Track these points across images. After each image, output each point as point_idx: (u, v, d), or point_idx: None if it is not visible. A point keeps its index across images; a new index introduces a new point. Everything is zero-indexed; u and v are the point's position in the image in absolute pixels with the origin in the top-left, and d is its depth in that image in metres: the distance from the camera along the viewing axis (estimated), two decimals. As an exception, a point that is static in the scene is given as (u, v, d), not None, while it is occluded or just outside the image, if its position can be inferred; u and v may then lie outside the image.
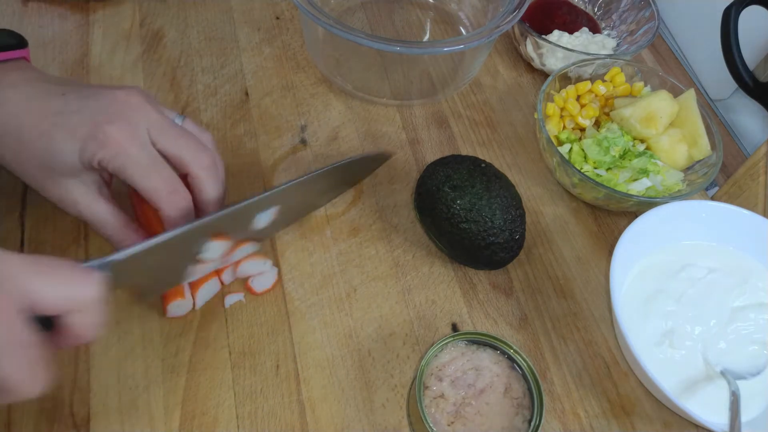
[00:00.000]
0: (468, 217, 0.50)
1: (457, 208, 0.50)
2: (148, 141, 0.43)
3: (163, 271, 0.44)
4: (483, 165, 0.53)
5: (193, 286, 0.49)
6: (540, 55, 0.69)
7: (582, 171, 0.58)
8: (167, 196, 0.43)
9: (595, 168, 0.59)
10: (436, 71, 0.69)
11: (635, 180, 0.58)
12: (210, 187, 0.45)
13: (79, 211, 0.45)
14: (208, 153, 0.45)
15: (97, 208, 0.45)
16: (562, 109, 0.63)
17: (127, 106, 0.43)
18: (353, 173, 0.57)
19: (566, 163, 0.56)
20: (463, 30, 0.74)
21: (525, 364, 0.43)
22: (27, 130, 0.42)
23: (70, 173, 0.43)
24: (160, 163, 0.43)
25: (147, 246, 0.40)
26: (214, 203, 0.46)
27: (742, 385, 0.47)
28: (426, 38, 0.74)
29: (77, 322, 0.34)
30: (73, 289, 0.33)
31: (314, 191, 0.53)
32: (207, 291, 0.49)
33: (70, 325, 0.34)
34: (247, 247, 0.49)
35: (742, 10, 0.64)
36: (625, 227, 0.51)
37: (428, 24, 0.75)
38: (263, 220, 0.48)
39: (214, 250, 0.45)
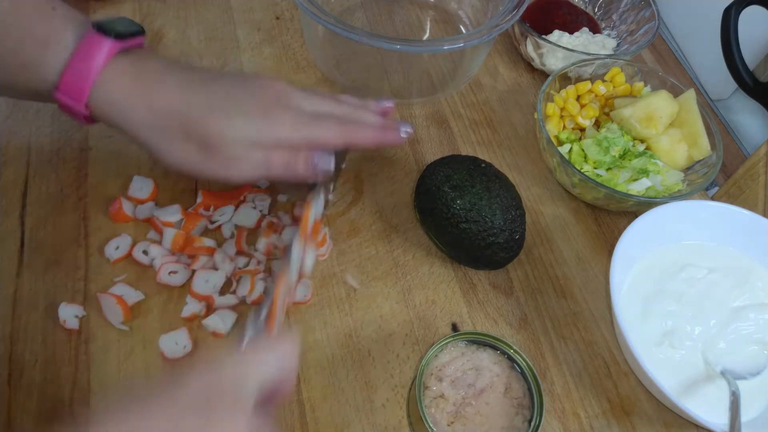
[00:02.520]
0: (468, 217, 0.50)
1: (457, 208, 0.50)
2: (305, 111, 0.48)
3: None
4: (483, 165, 0.53)
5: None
6: (540, 55, 0.69)
7: (582, 171, 0.58)
8: (342, 128, 0.48)
9: (595, 168, 0.59)
10: (436, 71, 0.69)
11: (635, 180, 0.58)
12: (364, 116, 0.52)
13: (255, 176, 0.47)
14: (347, 102, 0.52)
15: (278, 159, 0.48)
16: (562, 109, 0.63)
17: (282, 93, 0.48)
18: None
19: (566, 163, 0.56)
20: (463, 29, 0.74)
21: (525, 364, 0.43)
22: (195, 109, 0.45)
23: (242, 152, 0.46)
24: (322, 117, 0.49)
25: None
26: (379, 118, 0.52)
27: (742, 385, 0.47)
28: (426, 37, 0.74)
29: (285, 387, 0.36)
30: (285, 360, 0.35)
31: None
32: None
33: (280, 391, 0.35)
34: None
35: (742, 10, 0.64)
36: (625, 227, 0.51)
37: (428, 24, 0.75)
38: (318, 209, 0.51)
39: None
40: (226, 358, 0.34)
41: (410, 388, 0.48)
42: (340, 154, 0.54)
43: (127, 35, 0.45)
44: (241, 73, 0.49)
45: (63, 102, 0.44)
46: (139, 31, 0.47)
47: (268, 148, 0.46)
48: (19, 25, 0.43)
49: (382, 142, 0.51)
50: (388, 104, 0.54)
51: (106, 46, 0.43)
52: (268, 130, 0.46)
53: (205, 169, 0.46)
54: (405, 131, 0.51)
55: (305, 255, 0.48)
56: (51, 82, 0.44)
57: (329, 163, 0.49)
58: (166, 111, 0.45)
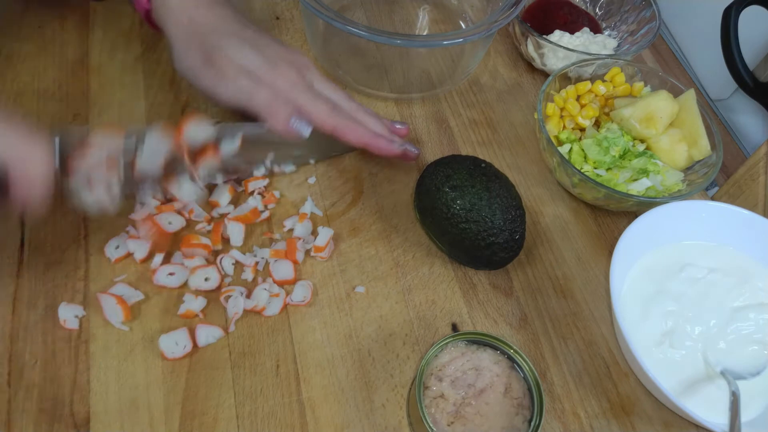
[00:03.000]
0: (468, 217, 0.50)
1: (457, 208, 0.50)
2: (310, 86, 0.54)
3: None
4: (483, 165, 0.53)
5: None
6: (541, 55, 0.69)
7: (582, 171, 0.58)
8: (333, 114, 0.53)
9: (595, 168, 0.59)
10: (435, 68, 0.69)
11: (635, 180, 0.58)
12: (369, 119, 0.56)
13: (238, 100, 0.52)
14: (361, 105, 0.57)
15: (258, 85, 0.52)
16: (562, 109, 0.63)
17: (302, 64, 0.54)
18: (318, 145, 0.58)
19: (566, 163, 0.56)
20: (463, 26, 0.74)
21: (525, 364, 0.43)
22: (220, 30, 0.52)
23: (233, 73, 0.51)
24: (321, 96, 0.53)
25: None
26: (381, 128, 0.56)
27: (742, 385, 0.47)
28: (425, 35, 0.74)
29: (19, 186, 0.36)
30: (21, 150, 0.36)
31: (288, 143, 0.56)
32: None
33: (12, 185, 0.36)
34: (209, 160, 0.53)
35: (742, 10, 0.64)
36: (625, 227, 0.51)
37: (428, 22, 0.75)
38: (227, 148, 0.53)
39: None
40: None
41: (410, 388, 0.48)
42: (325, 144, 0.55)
43: None
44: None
45: None
46: None
47: (259, 84, 0.51)
48: None
49: (369, 145, 0.54)
50: (401, 127, 0.58)
51: None
52: (268, 72, 0.52)
53: (199, 76, 0.52)
54: (401, 146, 0.54)
55: (180, 181, 0.49)
56: None
57: (306, 130, 0.51)
58: (200, 24, 0.52)
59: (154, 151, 0.48)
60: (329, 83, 0.55)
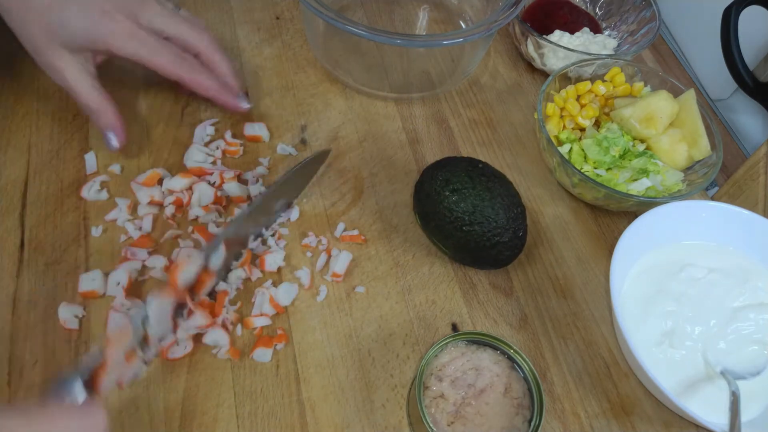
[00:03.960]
0: (472, 219, 0.50)
1: (460, 211, 0.50)
2: (151, 29, 0.50)
3: None
4: (480, 165, 0.53)
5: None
6: (541, 55, 0.69)
7: (582, 171, 0.58)
8: (178, 62, 0.51)
9: (595, 168, 0.59)
10: (435, 68, 0.69)
11: (635, 180, 0.58)
12: (219, 59, 0.55)
13: (65, 79, 0.50)
14: (208, 33, 0.55)
15: (83, 81, 0.51)
16: (562, 109, 0.63)
17: (138, 2, 0.50)
18: (296, 184, 0.56)
19: (566, 163, 0.56)
20: (463, 26, 0.74)
21: (525, 364, 0.43)
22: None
23: (69, 45, 0.49)
24: (164, 43, 0.51)
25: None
26: (230, 75, 0.56)
27: (742, 385, 0.47)
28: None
29: None
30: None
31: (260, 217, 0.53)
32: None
33: None
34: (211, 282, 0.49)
35: (742, 10, 0.64)
36: (625, 227, 0.51)
37: (428, 22, 0.75)
38: (216, 261, 0.49)
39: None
40: (35, 412, 0.32)
41: (410, 388, 0.48)
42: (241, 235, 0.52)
43: None
44: None
45: None
46: None
47: (95, 49, 0.49)
48: None
49: (216, 98, 0.53)
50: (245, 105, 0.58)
51: None
52: (98, 32, 0.49)
53: (38, 54, 0.50)
54: (245, 104, 0.56)
55: (175, 317, 0.45)
56: None
57: (113, 145, 0.52)
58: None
59: (160, 315, 0.44)
60: (171, 14, 0.52)
